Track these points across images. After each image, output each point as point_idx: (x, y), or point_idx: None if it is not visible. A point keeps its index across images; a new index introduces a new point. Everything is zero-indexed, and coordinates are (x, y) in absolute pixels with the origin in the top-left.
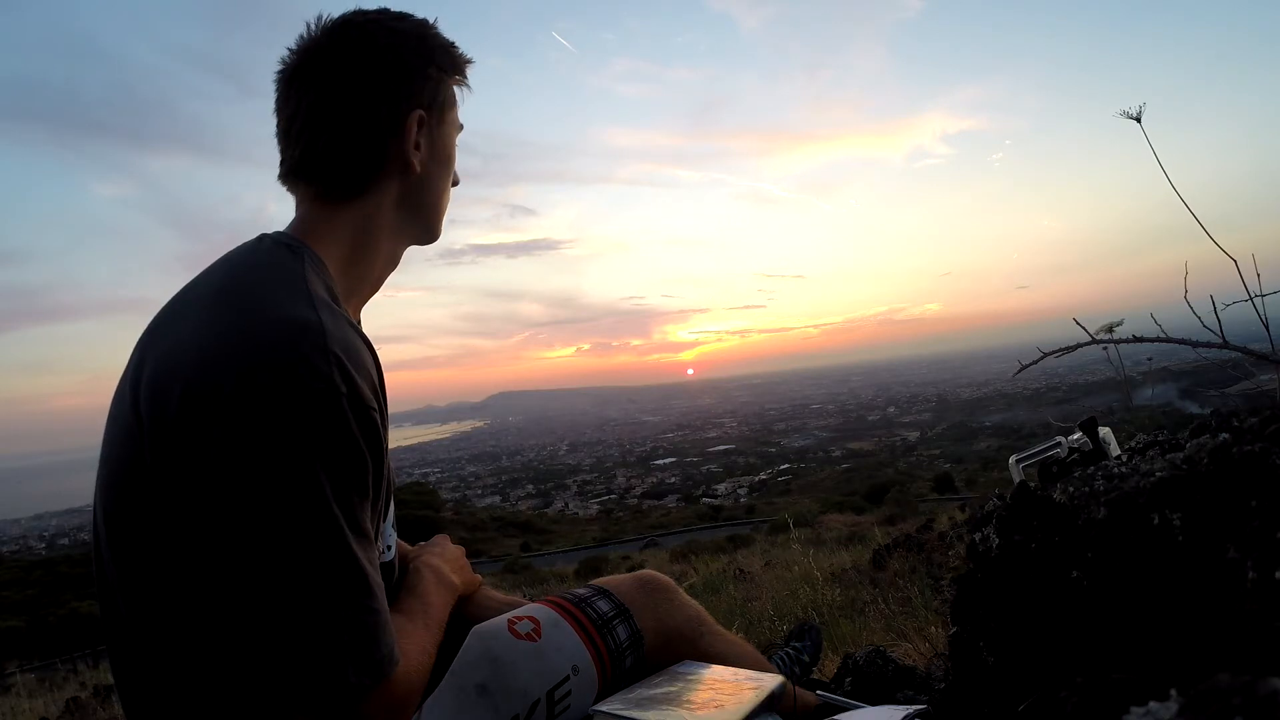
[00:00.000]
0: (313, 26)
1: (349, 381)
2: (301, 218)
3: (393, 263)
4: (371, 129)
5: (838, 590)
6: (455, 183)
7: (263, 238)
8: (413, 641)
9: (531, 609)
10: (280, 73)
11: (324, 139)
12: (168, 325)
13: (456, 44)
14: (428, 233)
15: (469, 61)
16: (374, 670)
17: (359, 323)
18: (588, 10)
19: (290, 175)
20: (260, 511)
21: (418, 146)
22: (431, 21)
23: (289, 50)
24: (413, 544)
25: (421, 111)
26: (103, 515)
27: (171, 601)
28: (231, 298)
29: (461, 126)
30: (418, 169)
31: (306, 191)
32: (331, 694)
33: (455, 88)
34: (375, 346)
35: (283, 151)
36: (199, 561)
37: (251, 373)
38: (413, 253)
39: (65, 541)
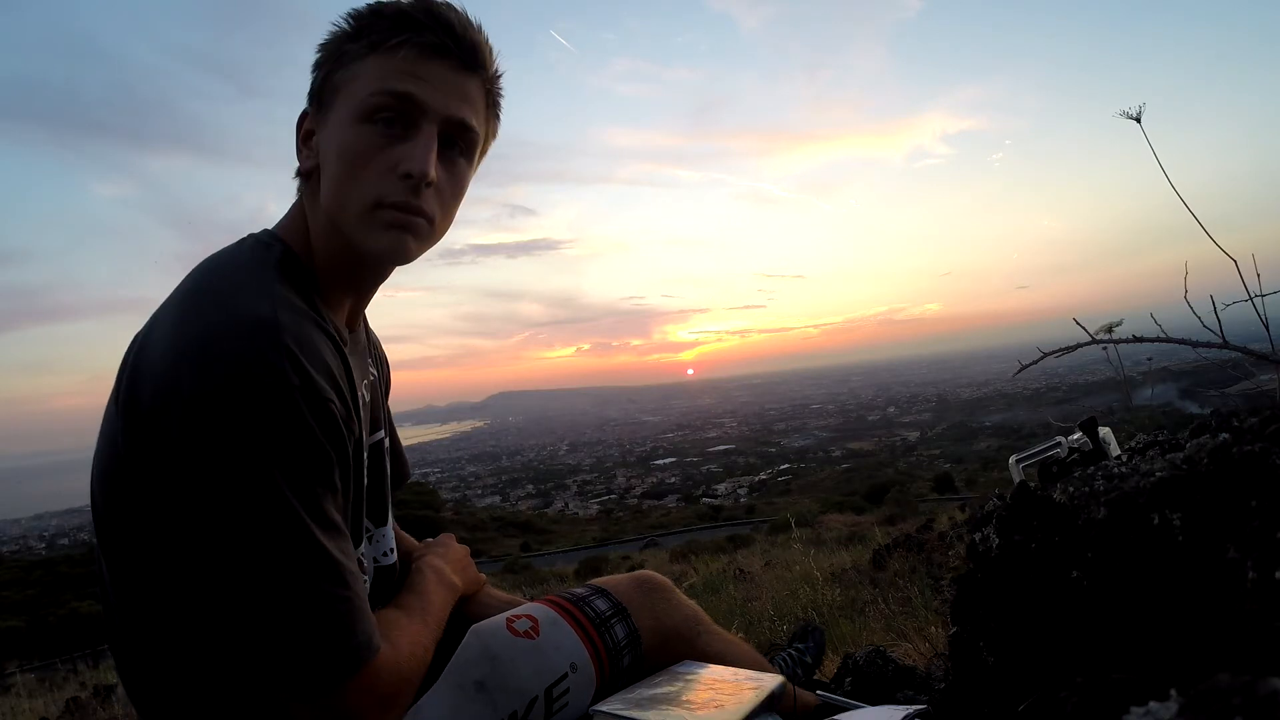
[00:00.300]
0: None
1: (302, 374)
2: (287, 214)
3: (356, 269)
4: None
5: (838, 590)
6: (408, 174)
7: (246, 237)
8: (405, 634)
9: (530, 608)
10: None
11: None
12: (150, 325)
13: (383, 7)
14: (348, 244)
15: (378, 14)
16: (350, 657)
17: (356, 320)
18: (588, 10)
19: None
20: (222, 506)
21: (308, 144)
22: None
23: None
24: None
25: (307, 108)
26: (94, 510)
27: (158, 595)
28: (199, 298)
29: (380, 93)
30: (306, 169)
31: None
32: (308, 681)
33: (374, 55)
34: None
35: None
36: (176, 555)
37: (206, 371)
38: None
39: (65, 541)
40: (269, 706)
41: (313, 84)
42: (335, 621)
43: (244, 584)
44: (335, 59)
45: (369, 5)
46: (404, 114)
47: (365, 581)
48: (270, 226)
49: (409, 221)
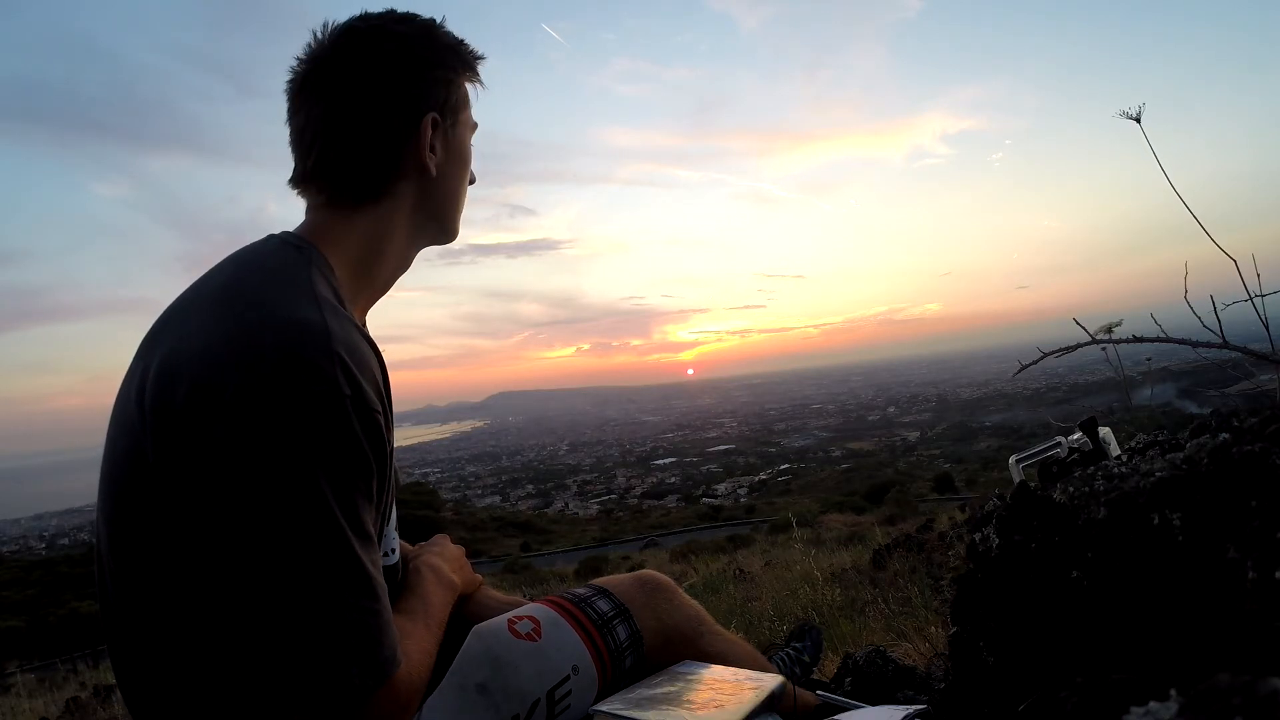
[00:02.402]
0: (319, 34)
1: (353, 384)
2: (312, 221)
3: (403, 265)
4: (386, 135)
5: (838, 590)
6: (472, 181)
7: (270, 238)
8: (414, 641)
9: (531, 609)
10: (290, 83)
11: (338, 147)
12: (173, 323)
13: (465, 41)
14: (445, 233)
15: (479, 58)
16: (377, 671)
17: (364, 325)
18: (586, 10)
19: (302, 181)
20: (263, 513)
21: (433, 150)
22: (438, 21)
23: (297, 59)
24: (413, 545)
25: (435, 114)
26: (104, 513)
27: (171, 600)
28: (236, 297)
29: (476, 125)
30: (434, 172)
31: (318, 197)
32: (335, 695)
33: (468, 86)
34: (380, 348)
35: (296, 159)
36: (201, 561)
37: (255, 374)
38: None
39: (65, 541)
40: (276, 717)
41: (439, 94)
42: (365, 635)
43: (278, 592)
44: (452, 80)
45: (456, 37)
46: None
47: None
48: (285, 230)
49: None
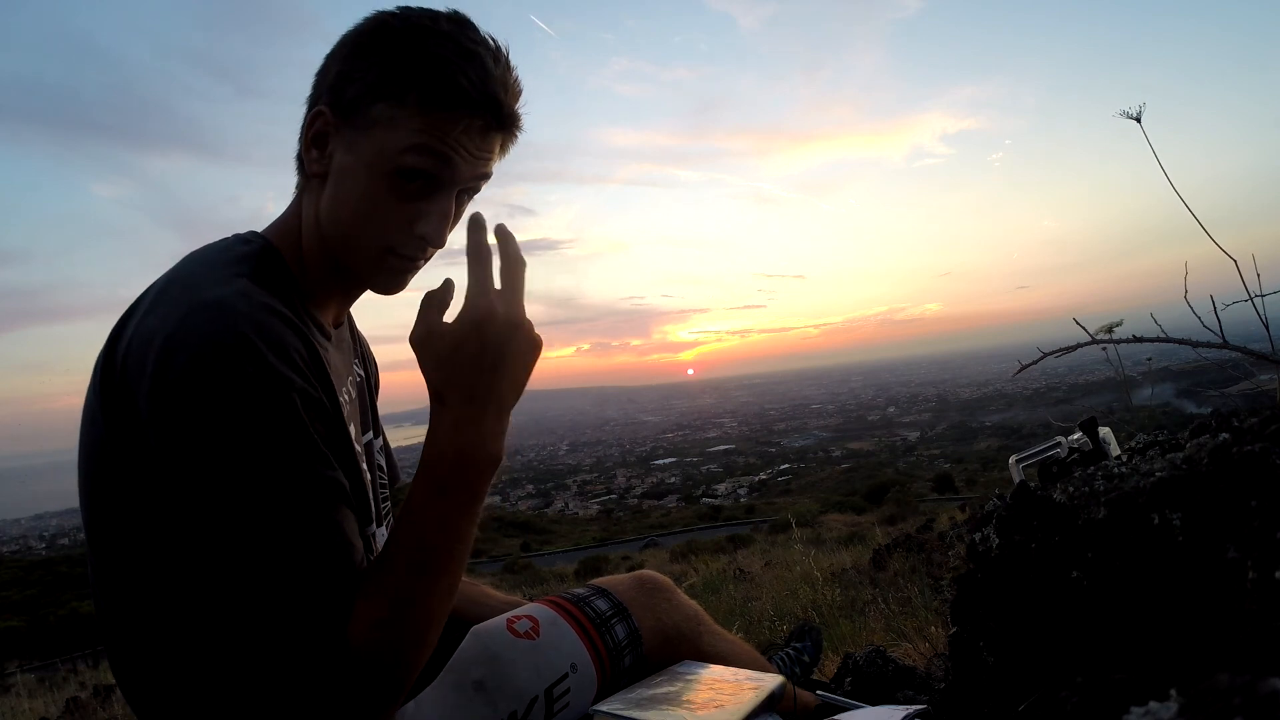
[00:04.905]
0: None
1: (256, 359)
2: (284, 213)
3: (343, 275)
4: (303, 125)
5: (838, 590)
6: (429, 243)
7: (231, 235)
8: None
9: (530, 608)
10: None
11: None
12: (126, 318)
13: (450, 42)
14: (347, 251)
15: (440, 75)
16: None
17: (341, 318)
18: (586, 10)
19: None
20: (193, 491)
21: (320, 147)
22: (436, 19)
23: None
24: None
25: (323, 108)
26: (82, 506)
27: (143, 584)
28: (169, 288)
29: (426, 171)
30: (309, 170)
31: None
32: (304, 669)
33: (420, 113)
34: (370, 344)
35: None
36: (155, 540)
37: (167, 359)
38: None
39: (65, 541)
40: (266, 698)
41: (342, 90)
42: (333, 600)
43: (220, 558)
44: (378, 85)
45: (428, 51)
46: (432, 180)
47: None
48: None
49: (413, 268)
